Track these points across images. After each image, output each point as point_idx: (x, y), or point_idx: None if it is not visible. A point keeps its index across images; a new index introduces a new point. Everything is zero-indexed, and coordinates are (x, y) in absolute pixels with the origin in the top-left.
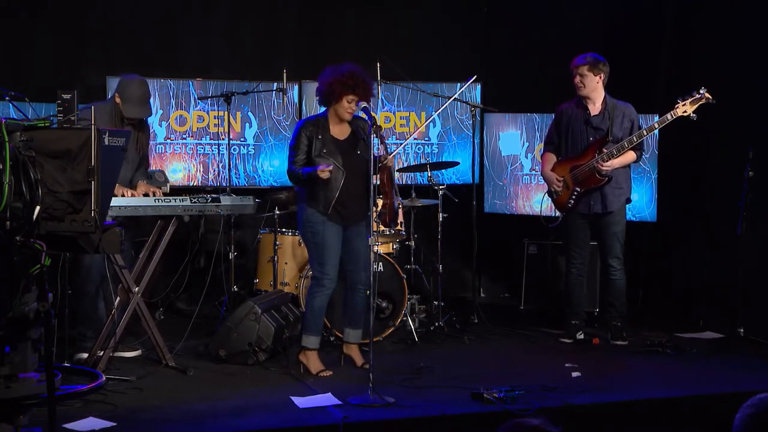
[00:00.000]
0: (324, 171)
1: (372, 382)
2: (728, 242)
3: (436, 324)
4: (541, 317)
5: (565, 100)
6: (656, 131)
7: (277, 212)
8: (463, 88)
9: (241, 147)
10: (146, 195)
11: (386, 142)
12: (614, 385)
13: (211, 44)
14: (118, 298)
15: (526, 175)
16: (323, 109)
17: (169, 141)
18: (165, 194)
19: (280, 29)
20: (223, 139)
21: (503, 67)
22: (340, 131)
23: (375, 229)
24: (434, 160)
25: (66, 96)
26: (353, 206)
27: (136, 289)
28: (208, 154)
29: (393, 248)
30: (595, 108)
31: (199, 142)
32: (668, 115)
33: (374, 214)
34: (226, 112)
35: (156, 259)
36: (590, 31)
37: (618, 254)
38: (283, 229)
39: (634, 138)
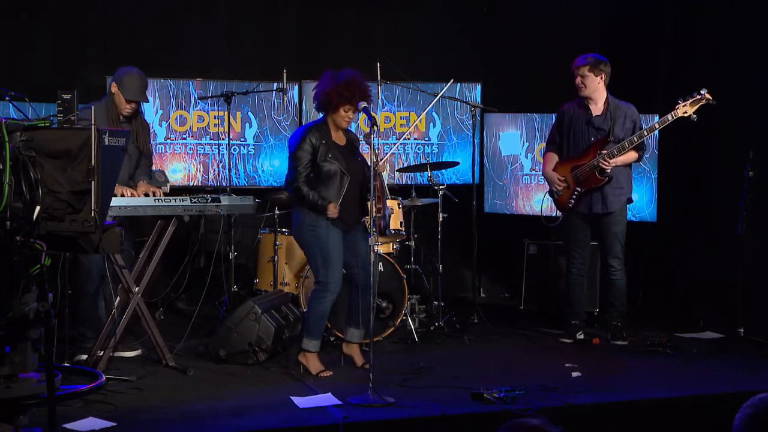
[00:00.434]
0: (333, 211)
1: (372, 382)
2: (728, 242)
3: (436, 324)
4: (541, 317)
5: (567, 100)
6: (657, 131)
7: (277, 212)
8: (443, 91)
9: (241, 147)
10: (146, 195)
11: (377, 147)
12: (614, 385)
13: (211, 44)
14: (118, 298)
15: (526, 175)
16: (321, 114)
17: (169, 141)
18: (165, 194)
19: (280, 29)
20: (223, 139)
21: (503, 67)
22: (338, 137)
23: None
24: (434, 160)
25: (66, 96)
26: (353, 210)
27: (136, 289)
28: (208, 154)
29: (393, 248)
30: (597, 108)
31: (199, 142)
32: (669, 116)
33: (373, 215)
34: (226, 112)
35: (156, 259)
36: (590, 31)
37: (618, 254)
38: (283, 229)
39: (635, 138)
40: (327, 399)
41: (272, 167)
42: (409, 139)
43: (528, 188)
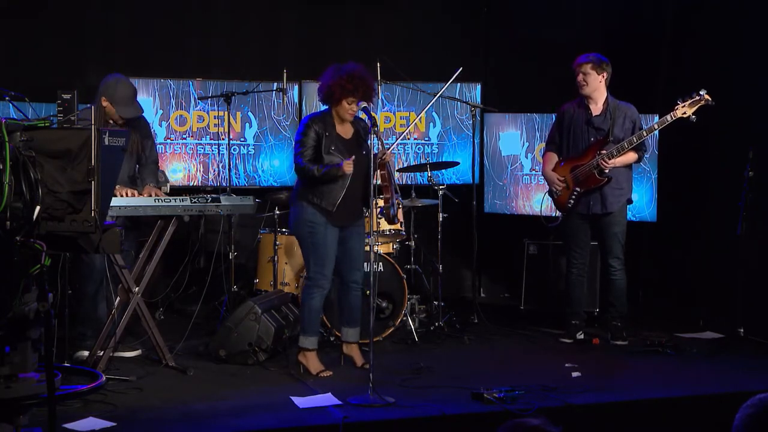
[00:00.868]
0: (348, 164)
1: (372, 382)
2: (728, 242)
3: (436, 324)
4: (541, 317)
5: (567, 100)
6: (656, 132)
7: (277, 212)
8: (455, 76)
9: (241, 147)
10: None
11: (383, 139)
12: (614, 385)
13: (211, 44)
14: (118, 298)
15: (526, 175)
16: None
17: (169, 141)
18: (165, 194)
19: (280, 29)
20: (223, 139)
21: (503, 67)
22: (344, 130)
23: (375, 228)
24: (434, 160)
25: (66, 96)
26: (353, 206)
27: (136, 289)
28: (208, 154)
29: (393, 248)
30: (596, 108)
31: (199, 142)
32: (668, 117)
33: (374, 212)
34: (226, 112)
35: (156, 259)
36: (590, 31)
37: (618, 254)
38: (283, 229)
39: (634, 139)
40: (327, 399)
41: (272, 167)
42: (408, 138)
43: (528, 188)
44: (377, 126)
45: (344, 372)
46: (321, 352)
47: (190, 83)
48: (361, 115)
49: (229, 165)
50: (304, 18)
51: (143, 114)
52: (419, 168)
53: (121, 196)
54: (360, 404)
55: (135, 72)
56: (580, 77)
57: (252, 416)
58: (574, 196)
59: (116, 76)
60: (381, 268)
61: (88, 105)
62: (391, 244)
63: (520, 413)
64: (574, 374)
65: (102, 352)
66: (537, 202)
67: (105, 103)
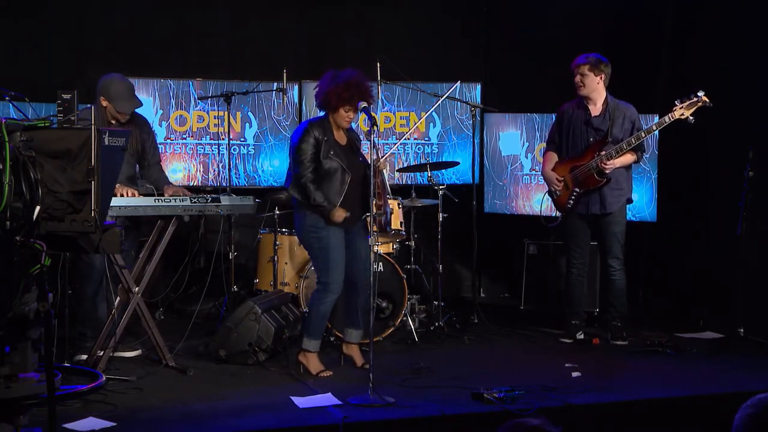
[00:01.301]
0: (340, 215)
1: (372, 382)
2: (728, 242)
3: (436, 324)
4: (541, 317)
5: (567, 100)
6: (656, 132)
7: (277, 212)
8: (448, 93)
9: (241, 147)
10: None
11: (377, 145)
12: (614, 385)
13: (211, 44)
14: (118, 298)
15: (526, 175)
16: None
17: (169, 141)
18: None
19: (280, 29)
20: (223, 139)
21: (503, 67)
22: (340, 136)
23: (375, 228)
24: (434, 160)
25: (66, 96)
26: (354, 209)
27: (136, 289)
28: (208, 154)
29: (393, 248)
30: (596, 109)
31: (199, 142)
32: (666, 118)
33: (373, 211)
34: (226, 112)
35: (156, 259)
36: (590, 31)
37: (617, 254)
38: (283, 229)
39: (633, 140)
40: (327, 399)
41: (272, 167)
42: (409, 139)
43: (528, 188)
44: (377, 126)
45: (344, 372)
46: (321, 352)
47: (190, 83)
48: (361, 116)
49: (229, 165)
50: (304, 18)
51: (144, 114)
52: (419, 168)
53: (121, 196)
54: (360, 404)
55: (135, 72)
56: (578, 78)
57: (252, 416)
58: (573, 197)
59: (111, 75)
60: (381, 268)
61: (88, 105)
62: (391, 244)
63: (520, 413)
64: (574, 374)
65: (102, 352)
66: (537, 202)
67: (104, 103)
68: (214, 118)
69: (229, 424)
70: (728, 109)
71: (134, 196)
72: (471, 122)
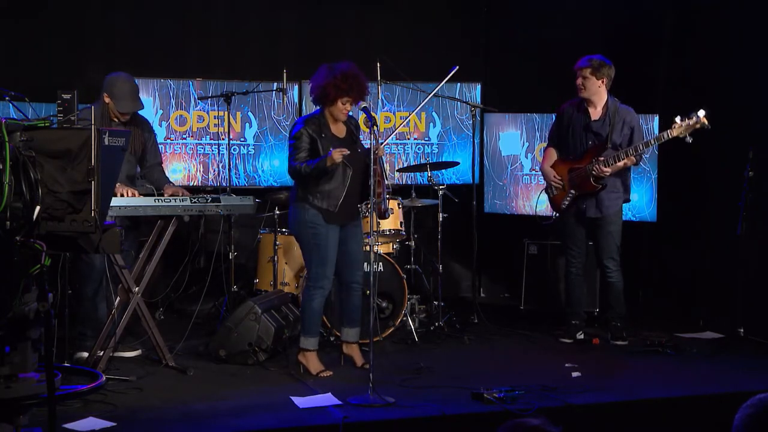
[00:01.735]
0: (337, 152)
1: (372, 382)
2: (728, 242)
3: (436, 324)
4: (541, 317)
5: (567, 100)
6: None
7: (277, 212)
8: (449, 76)
9: (241, 147)
10: (173, 195)
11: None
12: (614, 385)
13: (211, 44)
14: (118, 298)
15: (526, 175)
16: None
17: (169, 141)
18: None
19: (280, 29)
20: (223, 139)
21: (503, 67)
22: (338, 130)
23: (375, 228)
24: (434, 160)
25: (66, 96)
26: (352, 204)
27: (136, 289)
28: (208, 154)
29: (393, 248)
30: (596, 112)
31: (199, 142)
32: (664, 134)
33: (372, 202)
34: (226, 112)
35: (156, 259)
36: (590, 31)
37: (613, 255)
38: (283, 229)
39: (630, 151)
40: (327, 399)
41: (272, 167)
42: (409, 138)
43: (528, 188)
44: (377, 125)
45: (344, 372)
46: (321, 352)
47: (190, 83)
48: (361, 116)
49: (229, 165)
50: (304, 18)
51: (144, 114)
52: (419, 168)
53: (121, 196)
54: (360, 404)
55: (135, 72)
56: (579, 81)
57: (252, 416)
58: (569, 198)
59: (118, 73)
60: (381, 268)
61: (88, 105)
62: (391, 244)
63: (520, 413)
64: (574, 374)
65: (102, 352)
66: (535, 201)
67: (107, 100)
68: (214, 118)
69: (229, 424)
70: (728, 109)
71: (134, 196)
72: (471, 122)
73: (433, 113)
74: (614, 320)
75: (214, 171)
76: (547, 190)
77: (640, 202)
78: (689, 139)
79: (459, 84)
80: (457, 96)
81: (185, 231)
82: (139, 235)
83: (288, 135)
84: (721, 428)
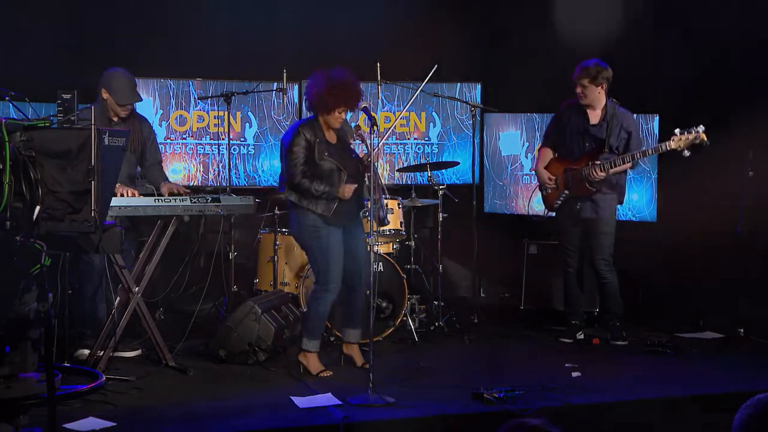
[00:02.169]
0: (348, 189)
1: (372, 382)
2: (728, 242)
3: (436, 324)
4: (541, 317)
5: (567, 99)
6: (656, 133)
7: (277, 212)
8: (431, 73)
9: (241, 147)
10: (171, 194)
11: (367, 141)
12: (614, 385)
13: (211, 44)
14: (118, 298)
15: (526, 175)
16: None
17: (169, 141)
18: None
19: (280, 29)
20: (223, 139)
21: (503, 67)
22: (330, 135)
23: (375, 228)
24: (434, 160)
25: (66, 96)
26: (350, 207)
27: (136, 289)
28: (208, 154)
29: (393, 248)
30: (594, 115)
31: (199, 142)
32: (663, 146)
33: (371, 210)
34: (226, 112)
35: (156, 259)
36: (590, 31)
37: (605, 255)
38: (283, 229)
39: (627, 158)
40: (327, 399)
41: (272, 167)
42: (409, 138)
43: (528, 188)
44: (377, 126)
45: (344, 372)
46: (321, 352)
47: (190, 83)
48: (361, 116)
49: (229, 165)
50: (304, 18)
51: (144, 114)
52: (419, 168)
53: (121, 196)
54: (360, 404)
55: (135, 72)
56: (579, 89)
57: (252, 416)
58: (562, 198)
59: (115, 69)
60: (381, 268)
61: (88, 105)
62: (391, 244)
63: (520, 413)
64: (574, 374)
65: (102, 352)
66: (537, 201)
67: (105, 95)
68: (214, 118)
69: (229, 424)
70: (728, 109)
71: (134, 196)
72: (471, 122)
73: (433, 113)
74: (613, 321)
75: (214, 171)
76: (541, 188)
77: (640, 202)
78: (687, 153)
79: (459, 84)
80: (457, 96)
81: (185, 231)
82: (139, 235)
83: (282, 142)
84: (721, 428)
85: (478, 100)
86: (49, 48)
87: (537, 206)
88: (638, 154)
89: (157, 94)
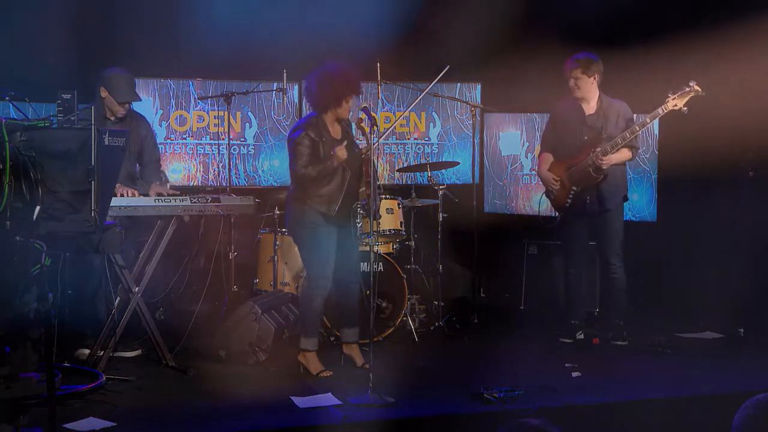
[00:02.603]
0: (341, 150)
1: (372, 382)
2: (728, 242)
3: (436, 324)
4: (541, 317)
5: (560, 98)
6: (656, 134)
7: (277, 212)
8: (441, 75)
9: (241, 147)
10: (159, 195)
11: (367, 134)
12: (614, 385)
13: (211, 44)
14: (118, 298)
15: (526, 175)
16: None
17: (169, 141)
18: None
19: (280, 29)
20: (223, 139)
21: (503, 67)
22: (335, 132)
23: (375, 228)
24: (434, 160)
25: (66, 96)
26: (349, 205)
27: (136, 289)
28: (208, 154)
29: (393, 248)
30: (589, 107)
31: (199, 142)
32: (659, 110)
33: (372, 205)
34: (226, 112)
35: (156, 259)
36: (589, 31)
37: (618, 251)
38: (283, 229)
39: (627, 134)
40: (327, 399)
41: (272, 167)
42: (409, 138)
43: (528, 188)
44: (377, 126)
45: (344, 372)
46: (321, 352)
47: (190, 83)
48: (360, 116)
49: (229, 165)
50: (304, 18)
51: (144, 114)
52: (419, 168)
53: (121, 196)
54: (360, 404)
55: (135, 72)
56: (572, 82)
57: (252, 416)
58: (571, 195)
59: (114, 68)
60: (381, 268)
61: (88, 105)
62: (391, 244)
63: (520, 413)
64: (574, 374)
65: (102, 352)
66: (536, 202)
67: (104, 94)
68: (214, 118)
69: (229, 424)
70: (728, 108)
71: (134, 196)
72: (471, 122)
73: (433, 113)
74: (615, 319)
75: (214, 171)
76: (548, 194)
77: (640, 202)
78: (685, 110)
79: (459, 84)
80: (457, 96)
81: (185, 231)
82: (139, 235)
83: (288, 138)
84: (721, 428)
85: (478, 100)
86: (49, 48)
87: (539, 207)
88: (638, 127)
89: (157, 94)
